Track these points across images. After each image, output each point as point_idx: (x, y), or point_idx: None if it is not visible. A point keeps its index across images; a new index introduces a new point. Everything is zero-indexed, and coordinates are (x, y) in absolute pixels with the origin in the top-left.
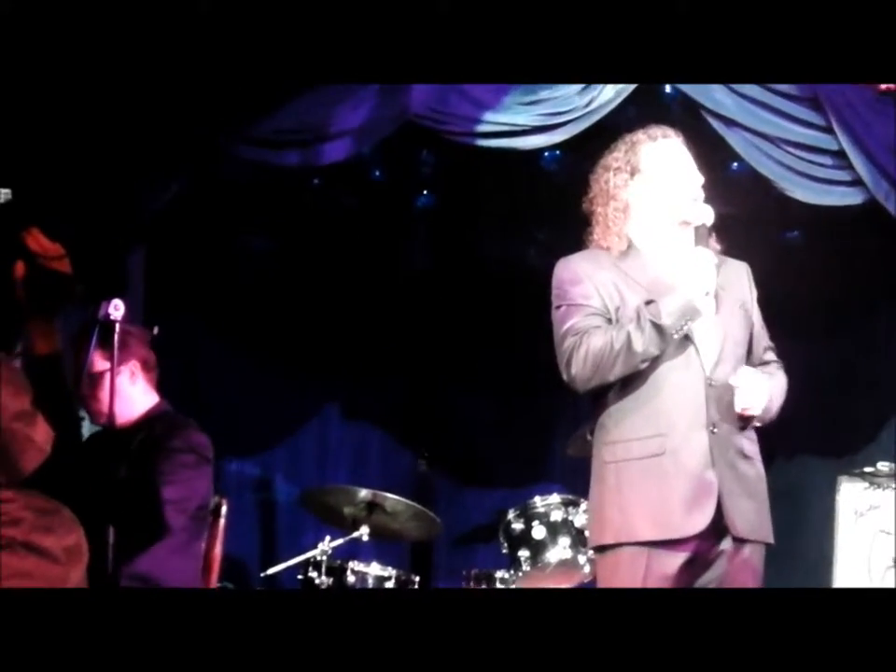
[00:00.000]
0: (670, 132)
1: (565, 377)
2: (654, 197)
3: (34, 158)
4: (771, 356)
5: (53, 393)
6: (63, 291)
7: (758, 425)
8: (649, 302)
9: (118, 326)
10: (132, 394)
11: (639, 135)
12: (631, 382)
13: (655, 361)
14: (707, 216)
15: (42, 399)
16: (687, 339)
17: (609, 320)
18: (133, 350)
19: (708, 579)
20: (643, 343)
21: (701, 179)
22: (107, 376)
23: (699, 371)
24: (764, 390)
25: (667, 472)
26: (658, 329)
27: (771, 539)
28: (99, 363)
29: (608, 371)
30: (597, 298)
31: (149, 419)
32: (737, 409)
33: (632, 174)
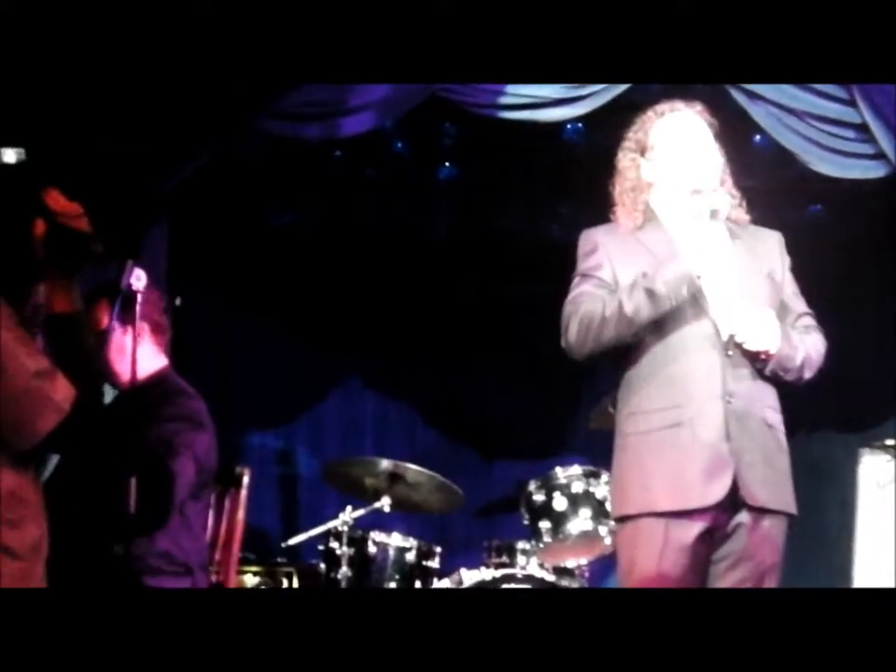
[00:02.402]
0: (680, 104)
1: (563, 344)
2: (665, 172)
3: (58, 119)
4: (808, 321)
5: (74, 351)
6: (83, 250)
7: (788, 378)
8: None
9: (139, 296)
10: (137, 356)
11: (649, 113)
12: (649, 353)
13: (671, 332)
14: (712, 184)
15: (62, 357)
16: (702, 309)
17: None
18: (142, 311)
19: (727, 551)
20: (632, 307)
21: (712, 149)
22: (116, 338)
23: (715, 342)
24: (774, 327)
25: (684, 443)
26: (650, 294)
27: (792, 510)
28: (108, 323)
29: (600, 335)
30: (608, 269)
31: (151, 383)
32: (753, 349)
33: (642, 152)
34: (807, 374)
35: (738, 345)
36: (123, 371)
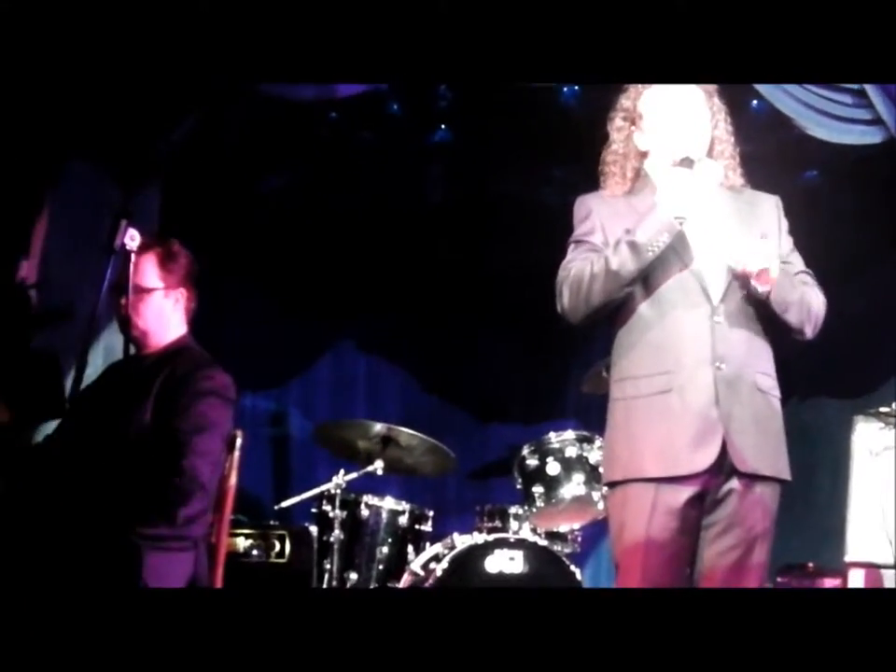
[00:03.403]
0: None
1: (559, 310)
2: (655, 139)
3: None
4: (806, 278)
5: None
6: None
7: (790, 319)
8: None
9: (133, 256)
10: (170, 320)
11: None
12: (637, 313)
13: (658, 288)
14: (700, 154)
15: None
16: (691, 273)
17: None
18: (186, 279)
19: (718, 517)
20: (617, 262)
21: (702, 117)
22: (157, 299)
23: (705, 306)
24: (772, 251)
25: (673, 409)
26: (633, 246)
27: (785, 475)
28: (151, 281)
29: (590, 296)
30: (599, 234)
31: (173, 351)
32: (753, 269)
33: (633, 121)
34: (809, 325)
35: (738, 277)
36: (154, 331)
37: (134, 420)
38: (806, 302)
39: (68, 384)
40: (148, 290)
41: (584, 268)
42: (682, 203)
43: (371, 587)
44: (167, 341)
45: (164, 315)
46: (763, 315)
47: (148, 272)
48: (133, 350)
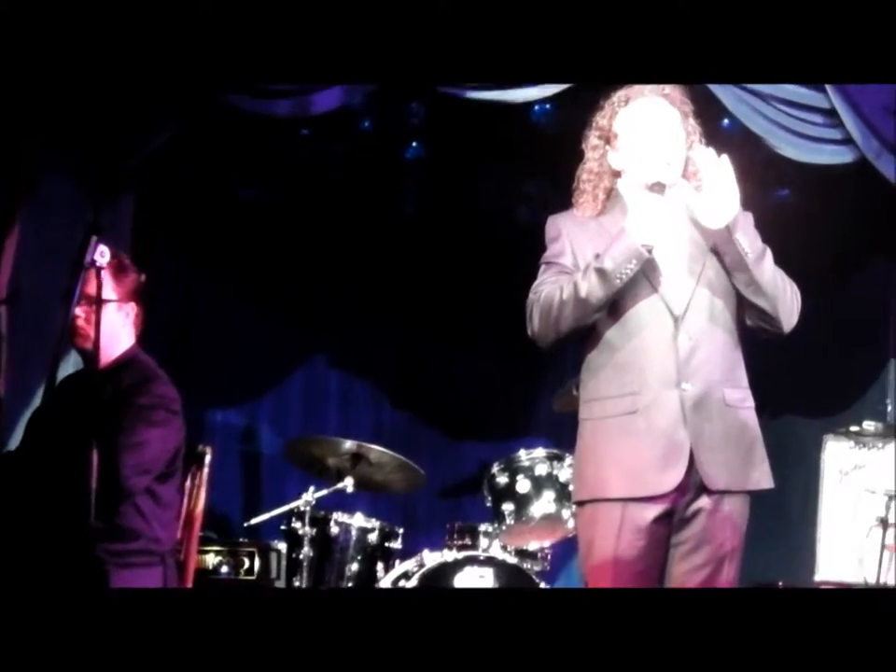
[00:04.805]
0: (647, 89)
1: (529, 333)
2: (628, 160)
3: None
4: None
5: None
6: None
7: (763, 280)
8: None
9: (103, 273)
10: (120, 333)
11: (614, 98)
12: (605, 336)
13: (625, 312)
14: (673, 178)
15: None
16: (656, 293)
17: None
18: (135, 293)
19: (687, 535)
20: (586, 288)
21: (677, 139)
22: (110, 311)
23: (668, 326)
24: (734, 189)
25: (640, 431)
26: (601, 273)
27: (764, 484)
28: (105, 292)
29: (559, 322)
30: (569, 255)
31: (122, 364)
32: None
33: (608, 140)
34: (785, 312)
35: (714, 240)
36: (104, 344)
37: (81, 436)
38: (782, 285)
39: (38, 397)
40: (103, 302)
41: (554, 293)
42: (651, 231)
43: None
44: (116, 354)
45: (115, 328)
46: (734, 317)
47: (103, 284)
48: (82, 363)
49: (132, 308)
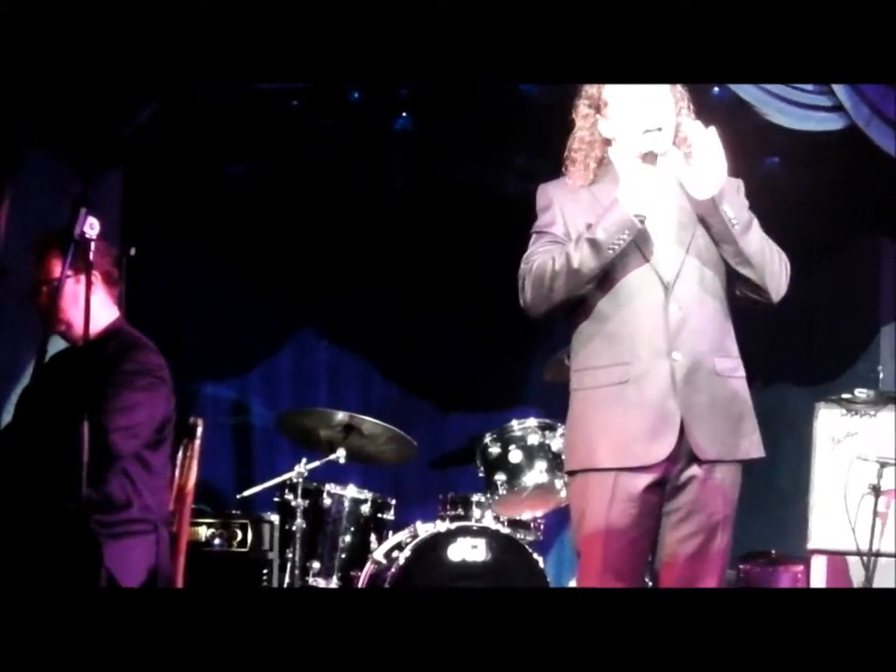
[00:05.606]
0: None
1: (521, 304)
2: (619, 128)
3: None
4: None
5: None
6: None
7: (748, 240)
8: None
9: (93, 244)
10: (92, 306)
11: None
12: (596, 306)
13: (617, 281)
14: (664, 146)
15: None
16: (647, 262)
17: None
18: (97, 262)
19: (679, 504)
20: (579, 259)
21: (668, 103)
22: (69, 287)
23: (659, 295)
24: (721, 161)
25: (630, 401)
26: (593, 244)
27: (755, 454)
28: (59, 272)
29: (551, 292)
30: (561, 225)
31: (106, 336)
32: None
33: (598, 108)
34: (772, 280)
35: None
36: (77, 321)
37: (70, 409)
38: (770, 255)
39: (27, 374)
40: (58, 279)
41: (546, 263)
42: (644, 201)
43: (335, 578)
44: (98, 328)
45: (78, 303)
46: (724, 286)
47: (53, 262)
48: (65, 344)
49: (95, 277)
